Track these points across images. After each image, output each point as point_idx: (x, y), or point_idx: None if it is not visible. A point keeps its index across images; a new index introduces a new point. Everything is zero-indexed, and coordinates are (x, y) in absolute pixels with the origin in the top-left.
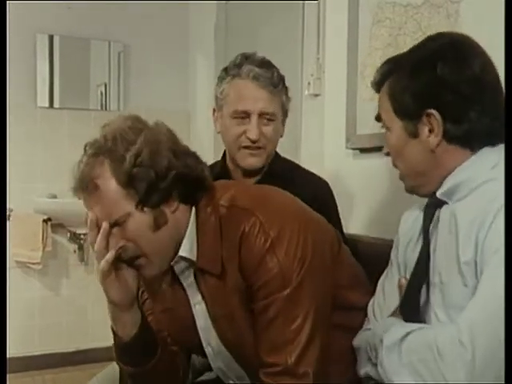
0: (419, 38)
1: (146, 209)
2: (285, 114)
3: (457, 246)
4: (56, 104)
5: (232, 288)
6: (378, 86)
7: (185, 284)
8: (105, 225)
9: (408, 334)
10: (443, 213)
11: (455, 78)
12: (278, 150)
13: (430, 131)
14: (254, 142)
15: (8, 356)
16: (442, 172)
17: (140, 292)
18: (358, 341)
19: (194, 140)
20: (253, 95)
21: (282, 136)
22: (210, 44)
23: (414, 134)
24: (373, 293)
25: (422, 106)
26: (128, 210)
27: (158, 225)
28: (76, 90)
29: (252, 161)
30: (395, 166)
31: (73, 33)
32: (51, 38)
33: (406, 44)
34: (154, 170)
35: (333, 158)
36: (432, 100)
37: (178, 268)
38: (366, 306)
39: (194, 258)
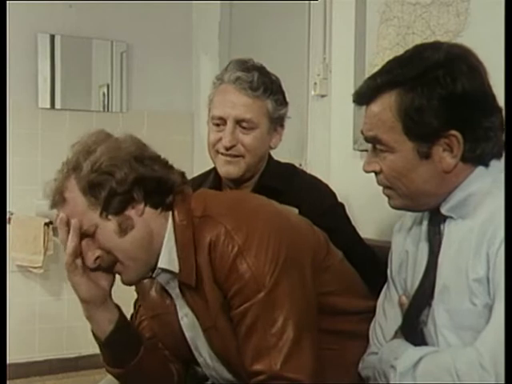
0: (428, 37)
1: (110, 216)
2: (275, 122)
3: (465, 263)
4: (57, 105)
5: (211, 299)
6: (366, 98)
7: (173, 295)
8: (74, 222)
9: (421, 358)
10: (448, 229)
11: (473, 94)
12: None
13: (444, 150)
14: (227, 149)
15: (8, 362)
16: (448, 190)
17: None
18: (364, 369)
19: (197, 141)
20: (230, 100)
21: (274, 147)
22: (214, 44)
23: (426, 155)
24: (369, 297)
25: (444, 126)
26: (95, 221)
27: (124, 230)
28: (78, 90)
29: (227, 169)
30: (388, 186)
31: (74, 32)
32: (52, 37)
33: (414, 43)
34: (113, 176)
35: (340, 160)
36: (454, 120)
37: (161, 279)
38: (361, 309)
39: (175, 269)
